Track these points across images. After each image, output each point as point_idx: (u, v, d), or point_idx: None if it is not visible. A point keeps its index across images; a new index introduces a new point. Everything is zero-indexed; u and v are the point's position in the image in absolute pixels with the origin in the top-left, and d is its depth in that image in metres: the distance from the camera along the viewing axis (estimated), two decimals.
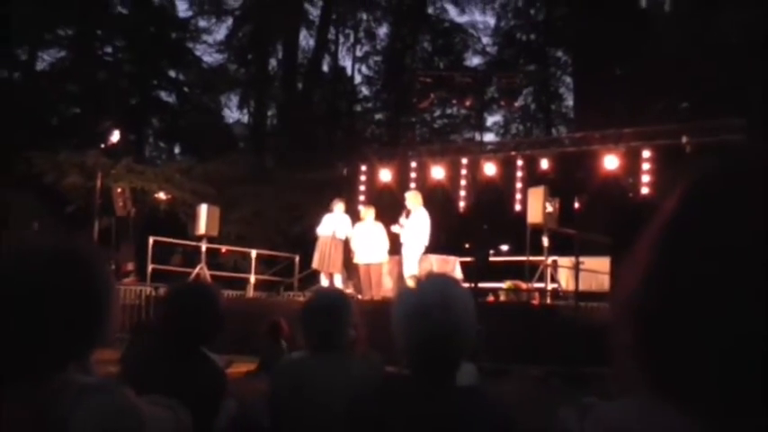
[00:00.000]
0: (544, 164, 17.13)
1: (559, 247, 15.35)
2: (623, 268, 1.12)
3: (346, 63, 40.06)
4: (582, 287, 13.95)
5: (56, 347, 1.84)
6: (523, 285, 14.86)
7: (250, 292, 18.16)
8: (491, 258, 15.69)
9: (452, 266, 15.62)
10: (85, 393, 1.79)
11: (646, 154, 15.60)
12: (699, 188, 1.09)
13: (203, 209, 18.11)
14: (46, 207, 24.49)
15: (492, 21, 38.75)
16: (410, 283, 13.08)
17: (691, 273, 1.04)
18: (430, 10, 38.91)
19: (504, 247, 23.55)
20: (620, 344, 1.10)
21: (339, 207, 15.60)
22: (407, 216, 14.45)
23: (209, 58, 38.34)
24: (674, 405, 1.05)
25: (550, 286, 14.88)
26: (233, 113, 40.05)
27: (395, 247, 14.75)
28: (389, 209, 15.20)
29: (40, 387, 1.80)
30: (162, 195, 24.84)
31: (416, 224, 14.38)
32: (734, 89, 19.88)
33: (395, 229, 14.51)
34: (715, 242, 1.03)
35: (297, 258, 18.95)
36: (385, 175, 18.37)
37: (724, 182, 1.08)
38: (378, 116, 40.31)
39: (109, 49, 36.04)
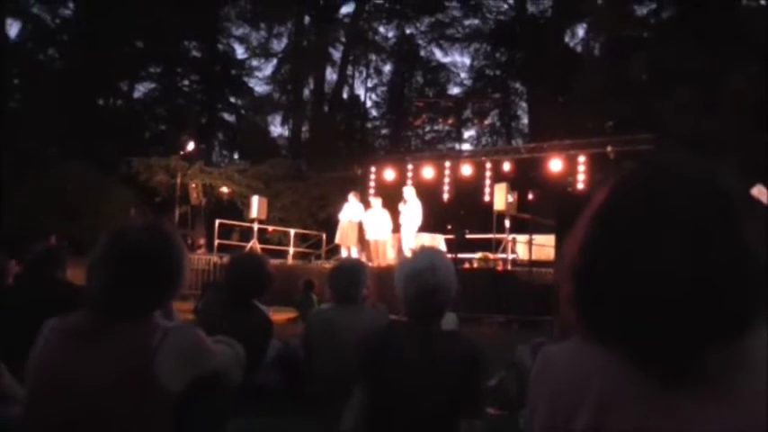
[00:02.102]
0: (506, 166, 17.06)
1: (517, 228, 15.33)
2: (567, 241, 1.12)
3: (360, 92, 40.06)
4: (534, 257, 13.94)
5: (148, 295, 1.88)
6: (491, 256, 14.86)
7: (289, 261, 18.18)
8: (467, 236, 15.65)
9: (438, 242, 15.58)
10: (170, 332, 1.82)
11: (581, 159, 15.54)
12: (620, 185, 1.09)
13: (255, 199, 18.14)
14: (140, 198, 24.54)
15: (468, 61, 38.65)
16: (408, 254, 13.08)
17: (609, 245, 1.04)
18: (422, 53, 38.78)
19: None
20: (563, 298, 1.10)
21: (354, 198, 15.61)
22: (405, 204, 14.47)
23: (260, 88, 38.36)
24: (600, 345, 1.05)
25: (511, 256, 14.87)
26: (277, 129, 39.97)
27: (396, 227, 14.76)
28: (392, 199, 15.17)
29: (137, 325, 1.82)
30: (225, 189, 24.84)
31: (412, 210, 14.40)
32: (645, 111, 19.83)
33: (401, 206, 14.51)
34: (629, 223, 1.03)
35: (324, 236, 18.93)
36: (389, 175, 18.31)
37: (639, 181, 1.08)
38: (383, 131, 40.27)
39: (186, 82, 36.01)
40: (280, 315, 10.02)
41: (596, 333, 1.05)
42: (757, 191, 12.29)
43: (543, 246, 14.14)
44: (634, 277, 1.00)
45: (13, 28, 31.76)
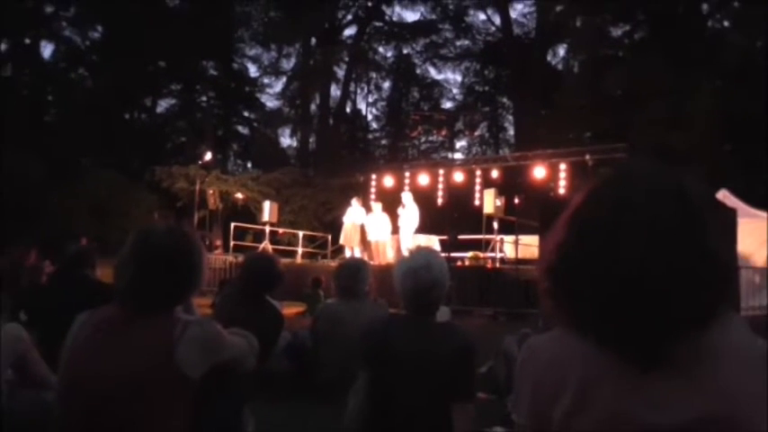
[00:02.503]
0: (494, 173, 17.06)
1: (505, 229, 15.33)
2: (546, 240, 1.12)
3: (362, 106, 40.06)
4: (520, 256, 13.95)
5: (170, 291, 1.88)
6: (481, 255, 14.84)
7: (298, 260, 18.13)
8: (459, 237, 15.63)
9: (433, 242, 15.56)
10: (190, 324, 1.82)
11: (562, 167, 15.54)
12: (592, 191, 1.09)
13: (267, 204, 18.11)
14: (163, 203, 24.55)
15: (459, 78, 38.69)
16: (406, 253, 13.06)
17: (577, 245, 1.05)
18: (418, 71, 38.78)
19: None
20: (541, 293, 1.10)
21: (357, 203, 15.60)
22: (403, 208, 14.47)
23: (271, 103, 38.25)
24: (576, 334, 1.05)
25: (499, 255, 14.86)
26: (286, 140, 39.83)
27: (395, 229, 14.75)
28: (391, 204, 15.16)
29: (160, 319, 1.83)
30: (239, 195, 24.80)
31: (409, 214, 14.40)
32: (620, 124, 19.85)
33: (400, 210, 14.50)
34: (595, 226, 1.04)
35: (329, 237, 18.91)
36: (388, 181, 18.29)
37: (607, 188, 1.08)
38: (383, 142, 40.25)
39: (204, 98, 35.99)
40: (290, 309, 10.00)
41: (571, 324, 1.06)
42: (722, 195, 12.28)
43: (528, 245, 14.13)
44: (597, 275, 1.01)
45: (47, 49, 31.91)
